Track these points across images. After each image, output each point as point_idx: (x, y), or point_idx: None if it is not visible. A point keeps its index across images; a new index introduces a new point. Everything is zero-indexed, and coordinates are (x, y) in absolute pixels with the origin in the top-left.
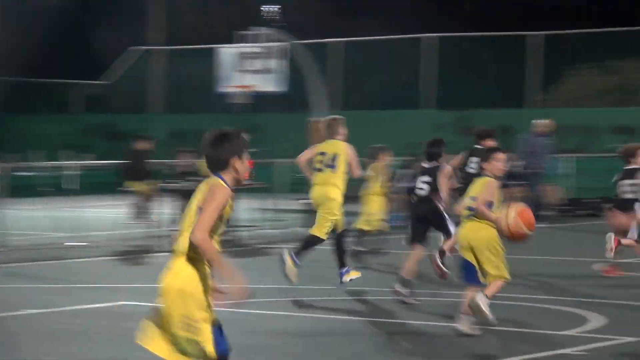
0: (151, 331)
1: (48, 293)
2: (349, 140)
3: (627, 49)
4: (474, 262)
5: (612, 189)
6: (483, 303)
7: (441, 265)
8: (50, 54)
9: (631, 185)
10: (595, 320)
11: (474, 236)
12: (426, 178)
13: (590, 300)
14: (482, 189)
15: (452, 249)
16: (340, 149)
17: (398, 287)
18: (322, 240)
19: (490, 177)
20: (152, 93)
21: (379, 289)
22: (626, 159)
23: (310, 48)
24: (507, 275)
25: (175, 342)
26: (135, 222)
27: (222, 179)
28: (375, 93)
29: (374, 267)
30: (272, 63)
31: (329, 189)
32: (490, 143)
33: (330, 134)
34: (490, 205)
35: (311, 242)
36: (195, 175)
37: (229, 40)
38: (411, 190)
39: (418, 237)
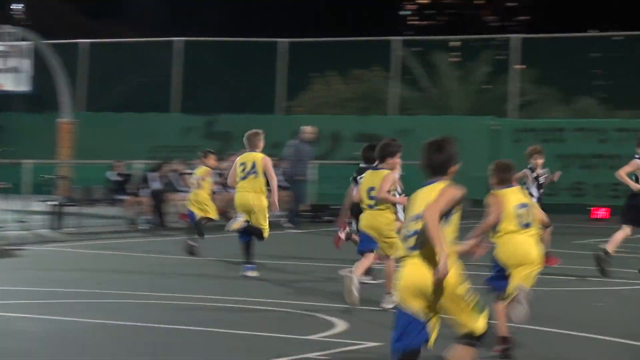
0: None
1: None
2: (90, 143)
3: (371, 58)
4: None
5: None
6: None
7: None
8: None
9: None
10: (340, 325)
11: (376, 221)
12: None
13: (335, 305)
14: (382, 180)
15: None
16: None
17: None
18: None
19: (388, 170)
20: None
21: (140, 293)
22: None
23: (59, 48)
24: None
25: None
26: None
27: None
28: (124, 95)
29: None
30: (18, 62)
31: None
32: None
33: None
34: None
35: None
36: None
37: None
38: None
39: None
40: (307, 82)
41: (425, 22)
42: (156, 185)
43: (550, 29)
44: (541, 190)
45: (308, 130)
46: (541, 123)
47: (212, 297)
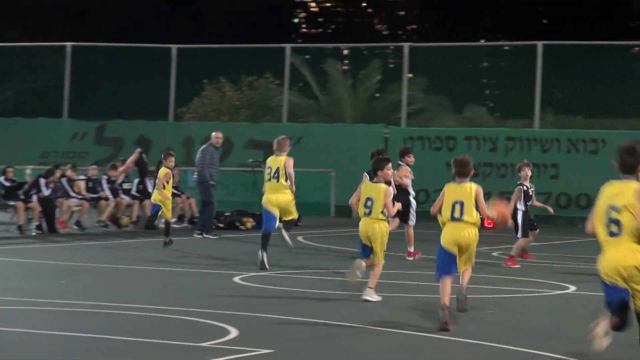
0: None
1: None
2: None
3: (263, 66)
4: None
5: (242, 204)
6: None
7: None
8: None
9: None
10: (233, 332)
11: (371, 228)
12: None
13: (228, 312)
14: (385, 197)
15: None
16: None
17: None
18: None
19: (383, 183)
20: None
21: (29, 300)
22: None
23: None
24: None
25: None
26: None
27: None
28: (14, 100)
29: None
30: None
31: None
32: (409, 159)
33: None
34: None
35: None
36: None
37: None
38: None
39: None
40: (200, 89)
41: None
42: (46, 191)
43: (440, 38)
44: (529, 203)
45: (218, 136)
46: (432, 131)
47: (103, 303)
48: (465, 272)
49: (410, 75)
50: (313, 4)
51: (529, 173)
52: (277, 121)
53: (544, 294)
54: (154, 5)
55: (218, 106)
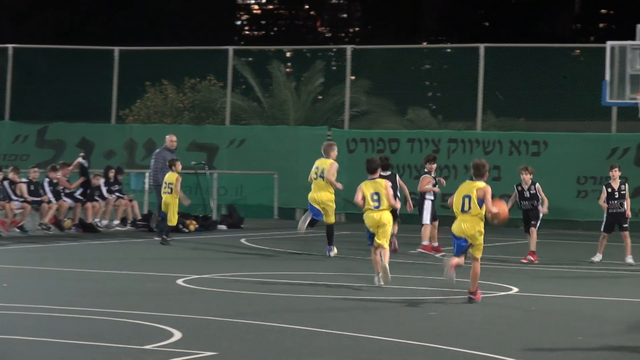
0: None
1: None
2: None
3: (206, 68)
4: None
5: (185, 206)
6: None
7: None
8: None
9: None
10: (176, 335)
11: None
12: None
13: (171, 314)
14: (386, 190)
15: None
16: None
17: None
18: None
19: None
20: None
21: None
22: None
23: None
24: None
25: None
26: None
27: None
28: None
29: None
30: None
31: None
32: (432, 166)
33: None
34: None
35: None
36: None
37: None
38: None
39: None
40: (142, 91)
41: (259, 33)
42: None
43: (383, 41)
44: (525, 202)
45: (172, 139)
46: (375, 133)
47: (45, 306)
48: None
49: (353, 77)
50: (256, 7)
51: (526, 176)
52: (220, 123)
53: (488, 295)
54: (96, 7)
55: (161, 108)
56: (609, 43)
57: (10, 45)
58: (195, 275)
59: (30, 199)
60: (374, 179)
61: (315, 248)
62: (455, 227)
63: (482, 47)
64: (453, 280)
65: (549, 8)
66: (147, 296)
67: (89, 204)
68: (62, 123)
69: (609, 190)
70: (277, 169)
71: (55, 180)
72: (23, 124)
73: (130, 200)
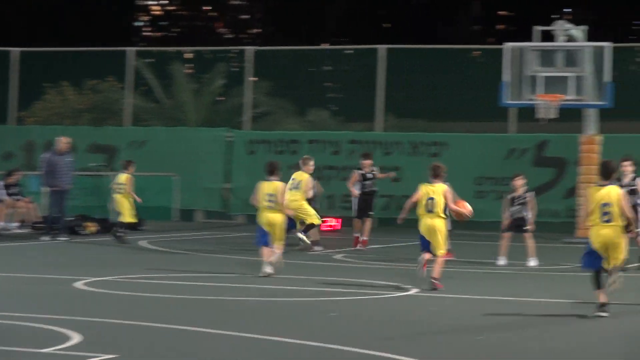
0: None
1: None
2: None
3: (105, 69)
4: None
5: (84, 208)
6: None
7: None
8: None
9: None
10: (75, 338)
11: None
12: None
13: (69, 317)
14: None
15: None
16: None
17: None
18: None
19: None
20: None
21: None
22: None
23: None
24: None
25: None
26: None
27: None
28: None
29: None
30: None
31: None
32: (364, 162)
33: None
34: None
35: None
36: None
37: None
38: None
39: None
40: (41, 92)
41: (159, 34)
42: None
43: (284, 42)
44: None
45: (63, 141)
46: (275, 135)
47: None
48: None
49: (254, 78)
50: (156, 8)
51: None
52: (120, 124)
53: (386, 296)
54: None
55: (60, 110)
56: (507, 44)
57: None
58: (94, 278)
59: None
60: (272, 180)
61: (214, 249)
62: (421, 227)
63: (381, 48)
64: (424, 276)
65: (448, 10)
66: (45, 299)
67: None
68: None
69: (510, 197)
70: (177, 170)
71: None
72: None
73: (29, 202)
